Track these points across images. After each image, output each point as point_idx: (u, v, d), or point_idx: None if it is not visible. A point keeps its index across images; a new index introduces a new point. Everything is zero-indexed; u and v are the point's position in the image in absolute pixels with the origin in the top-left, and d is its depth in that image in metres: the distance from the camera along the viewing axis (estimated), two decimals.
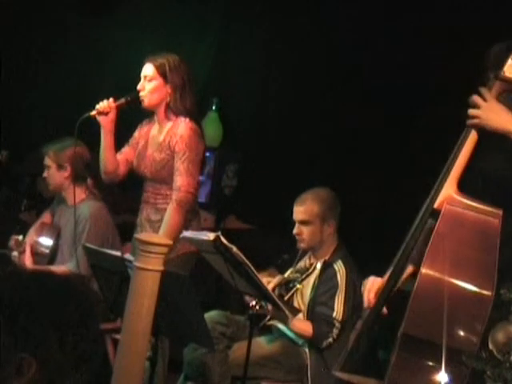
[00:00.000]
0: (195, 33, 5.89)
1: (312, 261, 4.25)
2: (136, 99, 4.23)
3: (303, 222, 4.19)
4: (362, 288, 3.00)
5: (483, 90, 2.85)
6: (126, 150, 4.41)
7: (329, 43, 5.25)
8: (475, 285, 2.65)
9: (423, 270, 2.66)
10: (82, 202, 4.65)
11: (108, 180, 4.47)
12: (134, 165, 4.38)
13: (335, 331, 4.00)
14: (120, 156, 4.38)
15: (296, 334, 4.08)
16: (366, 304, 2.92)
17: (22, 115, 5.98)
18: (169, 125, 4.25)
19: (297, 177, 5.06)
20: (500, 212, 2.74)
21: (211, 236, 3.51)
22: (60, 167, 4.60)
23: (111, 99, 4.22)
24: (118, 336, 3.32)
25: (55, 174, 4.64)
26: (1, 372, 1.58)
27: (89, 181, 4.69)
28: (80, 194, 4.68)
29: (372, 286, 2.93)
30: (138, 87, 4.24)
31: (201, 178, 5.73)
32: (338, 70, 5.20)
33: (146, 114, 4.36)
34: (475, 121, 2.84)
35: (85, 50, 5.97)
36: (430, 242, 2.69)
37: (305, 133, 5.34)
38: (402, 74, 4.79)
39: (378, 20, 5.00)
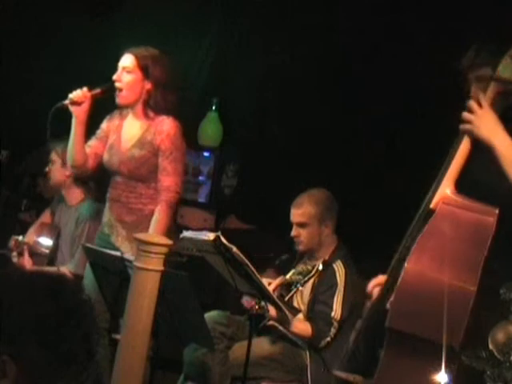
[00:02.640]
0: (195, 33, 5.88)
1: (314, 262, 4.25)
2: (111, 89, 4.07)
3: (301, 225, 4.19)
4: (369, 284, 3.04)
5: (480, 96, 2.87)
6: (94, 143, 4.21)
7: (329, 43, 5.24)
8: (459, 279, 2.67)
9: (408, 266, 2.69)
10: (81, 203, 4.64)
11: (76, 174, 4.32)
12: (104, 159, 4.19)
13: (333, 330, 4.01)
14: (89, 149, 4.17)
15: (295, 335, 4.08)
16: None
17: (22, 115, 5.97)
18: (149, 121, 4.08)
19: (297, 177, 5.06)
20: (496, 210, 2.76)
21: (211, 236, 3.51)
22: (65, 165, 4.55)
23: (85, 88, 4.05)
24: (118, 336, 3.32)
25: (58, 171, 4.61)
26: None
27: (90, 183, 4.67)
28: (79, 194, 4.68)
29: (376, 280, 2.97)
30: (114, 77, 4.07)
31: (201, 178, 5.76)
32: (338, 70, 5.20)
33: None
34: (467, 126, 2.87)
35: (85, 50, 5.96)
36: (418, 239, 2.73)
37: (305, 132, 5.33)
38: (400, 77, 4.79)
39: (378, 20, 5.00)
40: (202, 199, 5.73)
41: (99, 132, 4.24)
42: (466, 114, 2.88)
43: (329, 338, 4.02)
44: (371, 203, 4.85)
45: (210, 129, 5.78)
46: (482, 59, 2.98)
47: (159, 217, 3.98)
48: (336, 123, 5.18)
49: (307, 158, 5.31)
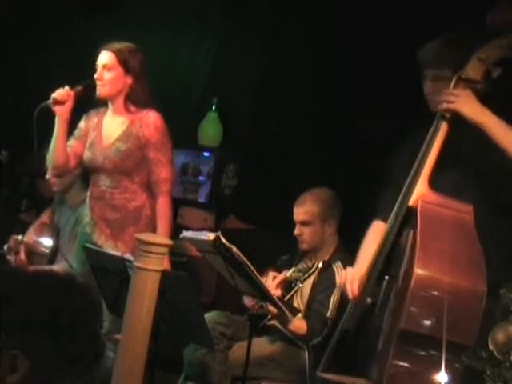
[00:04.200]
0: (195, 33, 5.88)
1: (314, 260, 4.25)
2: (93, 85, 4.07)
3: (304, 223, 4.19)
4: (339, 279, 3.04)
5: (452, 89, 2.89)
6: (73, 143, 4.19)
7: (330, 43, 5.25)
8: (468, 280, 2.71)
9: (417, 271, 2.70)
10: (82, 203, 4.62)
11: (57, 174, 4.30)
12: (86, 157, 4.17)
13: (326, 330, 4.00)
14: (68, 149, 4.15)
15: (291, 332, 4.07)
16: (350, 295, 2.97)
17: (22, 115, 5.97)
18: (131, 115, 4.10)
19: (297, 177, 5.06)
20: (471, 208, 2.80)
21: (211, 236, 3.51)
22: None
23: (67, 87, 4.04)
24: (118, 336, 3.32)
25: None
26: None
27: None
28: (82, 195, 4.65)
29: (354, 276, 2.98)
30: (96, 76, 4.07)
31: (201, 178, 5.76)
32: (338, 70, 5.20)
33: (98, 103, 4.20)
34: (451, 105, 2.86)
35: (85, 50, 5.95)
36: (417, 243, 2.73)
37: (305, 132, 5.33)
38: (403, 77, 4.79)
39: (378, 20, 5.00)
40: (202, 199, 5.73)
41: (77, 132, 4.23)
42: (448, 94, 2.88)
43: (320, 338, 4.01)
44: (372, 203, 4.84)
45: (210, 129, 5.78)
46: (447, 59, 2.98)
47: (163, 211, 4.04)
48: (337, 123, 5.18)
49: (307, 157, 5.31)
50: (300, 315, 4.08)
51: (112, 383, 3.07)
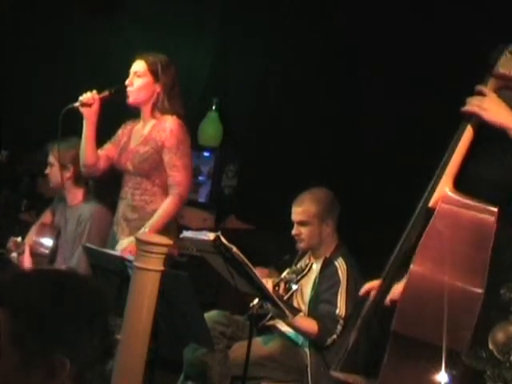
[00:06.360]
0: (195, 33, 5.88)
1: (310, 261, 4.25)
2: (120, 91, 4.23)
3: (301, 223, 4.20)
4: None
5: (480, 87, 2.83)
6: (108, 146, 4.41)
7: (330, 43, 5.25)
8: (465, 282, 2.63)
9: (413, 268, 2.66)
10: (81, 203, 4.63)
11: (86, 173, 4.45)
12: (115, 159, 4.37)
13: (339, 327, 4.00)
14: (101, 152, 4.37)
15: (300, 331, 4.07)
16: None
17: (22, 115, 5.98)
18: (154, 120, 4.26)
19: (297, 177, 5.06)
20: (495, 209, 2.72)
21: (211, 236, 3.51)
22: (63, 167, 4.55)
23: (95, 91, 4.21)
24: (118, 336, 3.32)
25: (57, 173, 4.59)
26: (30, 379, 1.58)
27: (90, 182, 4.65)
28: (80, 194, 4.66)
29: (370, 285, 2.97)
30: (127, 82, 4.24)
31: (201, 178, 5.76)
32: (338, 70, 5.20)
33: (130, 110, 4.34)
34: (474, 108, 2.80)
35: (85, 50, 5.97)
36: (421, 240, 2.70)
37: (305, 133, 5.34)
38: (404, 76, 4.79)
39: (379, 19, 5.00)
40: (202, 199, 5.74)
41: (114, 137, 4.44)
42: (472, 98, 2.82)
43: (335, 336, 4.01)
44: (372, 203, 4.84)
45: (210, 129, 5.78)
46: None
47: (166, 205, 4.12)
48: (336, 123, 5.18)
49: (307, 158, 5.31)
50: (302, 314, 4.07)
51: (112, 383, 3.07)
